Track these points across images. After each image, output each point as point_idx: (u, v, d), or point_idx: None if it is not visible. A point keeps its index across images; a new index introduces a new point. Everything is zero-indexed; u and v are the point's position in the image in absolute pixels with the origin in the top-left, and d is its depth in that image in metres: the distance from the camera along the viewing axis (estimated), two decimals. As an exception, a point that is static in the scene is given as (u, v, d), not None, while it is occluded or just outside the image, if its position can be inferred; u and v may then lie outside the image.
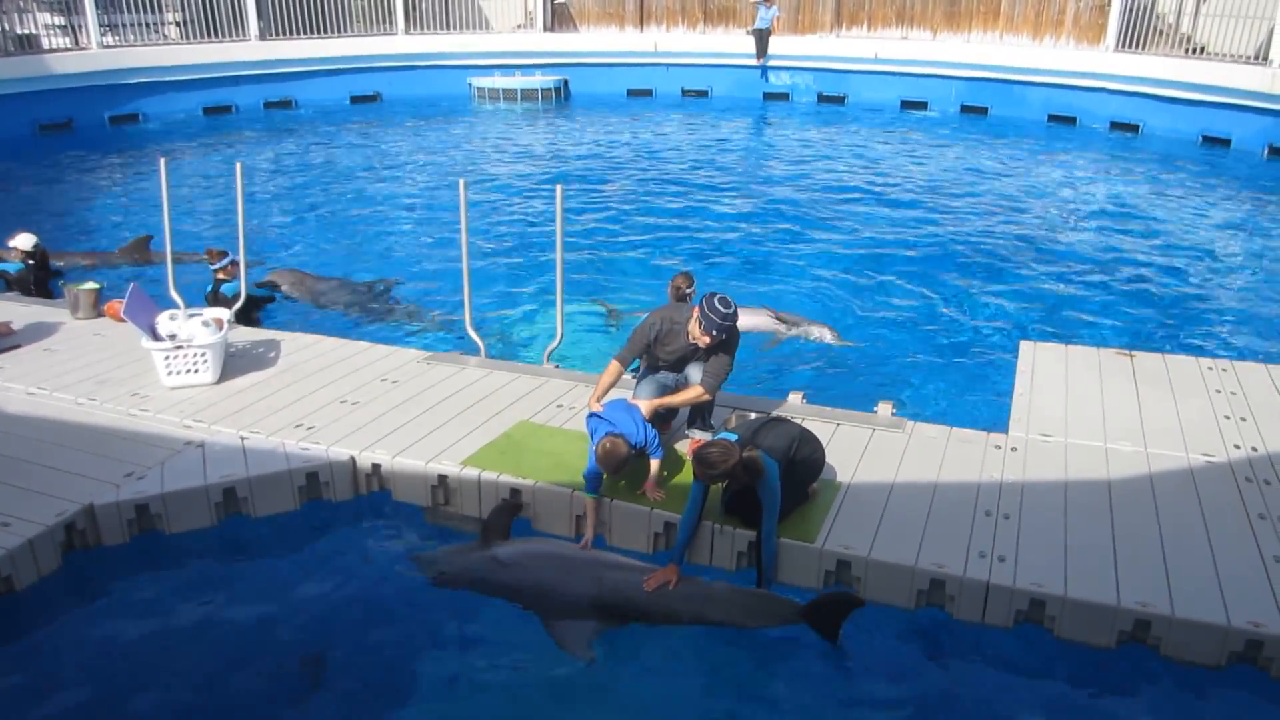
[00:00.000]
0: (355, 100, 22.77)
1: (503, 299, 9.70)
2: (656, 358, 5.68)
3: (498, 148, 18.39)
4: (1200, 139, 18.37)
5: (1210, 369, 6.91)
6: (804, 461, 4.97)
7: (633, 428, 5.16)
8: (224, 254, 8.59)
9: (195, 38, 21.34)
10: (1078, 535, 4.85)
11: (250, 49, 21.64)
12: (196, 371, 6.52)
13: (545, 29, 25.39)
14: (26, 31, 19.31)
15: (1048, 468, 5.55)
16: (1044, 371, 6.82)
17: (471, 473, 5.44)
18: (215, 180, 15.10)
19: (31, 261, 9.19)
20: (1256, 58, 17.75)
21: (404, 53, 23.46)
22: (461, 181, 6.92)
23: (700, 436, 5.77)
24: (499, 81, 23.28)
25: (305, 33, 22.56)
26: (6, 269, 9.19)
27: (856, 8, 23.57)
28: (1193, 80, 18.35)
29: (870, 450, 5.75)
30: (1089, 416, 6.14)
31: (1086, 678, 4.36)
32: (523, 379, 6.79)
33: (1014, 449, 5.76)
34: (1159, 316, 9.49)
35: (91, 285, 8.06)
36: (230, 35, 21.70)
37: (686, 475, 5.24)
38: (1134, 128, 19.50)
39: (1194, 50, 19.37)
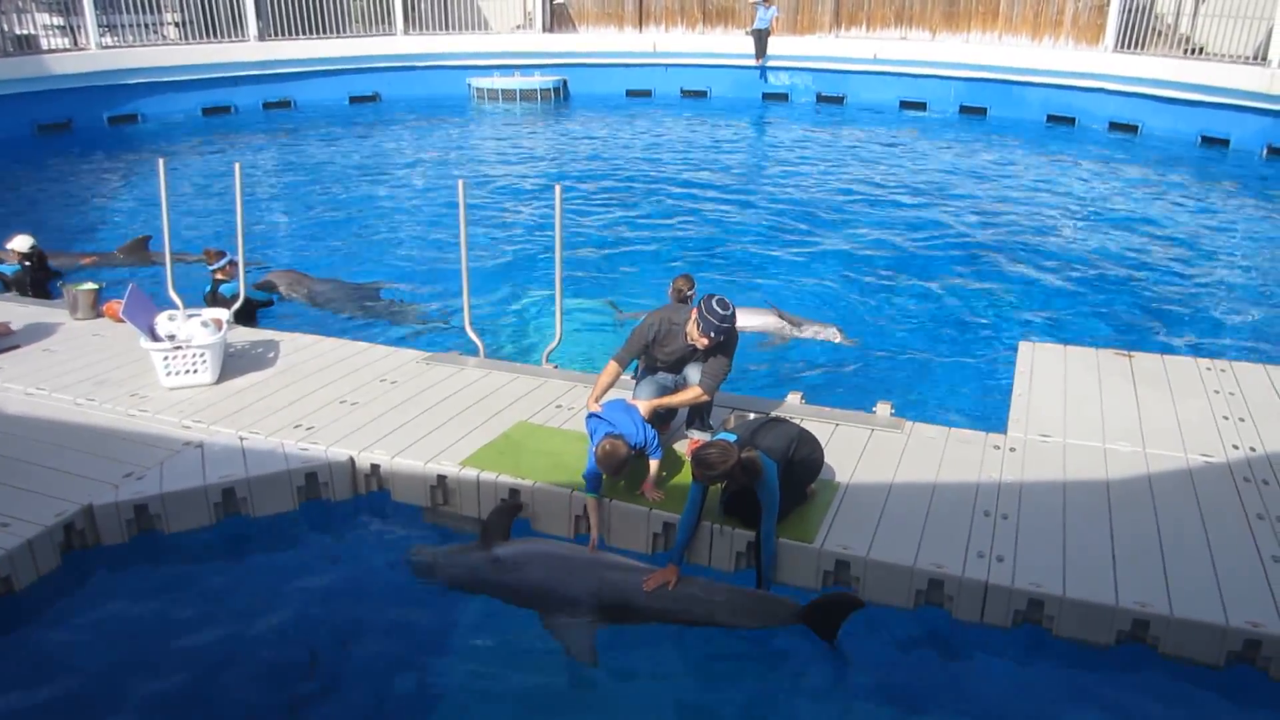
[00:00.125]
0: (354, 101, 22.78)
1: (502, 299, 9.70)
2: (655, 359, 5.68)
3: (497, 148, 18.39)
4: (1199, 139, 18.38)
5: (1209, 369, 6.92)
6: (802, 462, 4.97)
7: (632, 428, 5.16)
8: (222, 254, 8.59)
9: (194, 38, 21.34)
10: (1076, 535, 4.86)
11: (249, 49, 21.65)
12: (195, 372, 6.52)
13: (544, 29, 25.40)
14: (25, 32, 19.30)
15: (1046, 468, 5.55)
16: (1043, 372, 6.82)
17: (470, 473, 5.44)
18: (214, 181, 15.10)
19: (29, 263, 9.19)
20: (1255, 58, 17.76)
21: (403, 53, 23.46)
22: (460, 182, 6.93)
23: (699, 437, 5.77)
24: (498, 82, 23.28)
25: (304, 33, 22.57)
26: (4, 271, 9.20)
27: (855, 8, 23.58)
28: (1191, 80, 18.35)
29: (869, 450, 5.75)
30: (1088, 417, 6.14)
31: (1085, 677, 4.36)
32: (521, 379, 6.79)
33: (1013, 449, 5.77)
34: (1158, 317, 9.50)
35: (90, 286, 8.07)
36: (229, 36, 21.70)
37: (685, 476, 5.24)
38: (1133, 128, 19.51)
39: (1193, 51, 19.38)
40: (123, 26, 20.49)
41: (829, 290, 10.10)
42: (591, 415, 5.35)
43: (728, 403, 6.28)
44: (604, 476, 5.06)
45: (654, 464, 5.27)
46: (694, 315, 5.34)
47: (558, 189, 6.60)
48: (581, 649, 4.55)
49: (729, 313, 5.30)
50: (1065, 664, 4.39)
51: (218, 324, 6.73)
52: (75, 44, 19.70)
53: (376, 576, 5.21)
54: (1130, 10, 19.88)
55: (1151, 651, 4.32)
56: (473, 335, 7.26)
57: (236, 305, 7.96)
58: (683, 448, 5.71)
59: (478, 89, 23.43)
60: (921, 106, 22.22)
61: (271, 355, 7.18)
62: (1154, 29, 20.08)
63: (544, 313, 8.95)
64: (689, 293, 7.06)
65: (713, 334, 5.29)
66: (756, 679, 4.59)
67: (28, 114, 18.31)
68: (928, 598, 4.65)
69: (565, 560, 4.97)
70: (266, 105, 21.75)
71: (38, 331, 7.60)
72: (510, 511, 5.25)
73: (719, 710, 4.43)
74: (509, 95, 23.23)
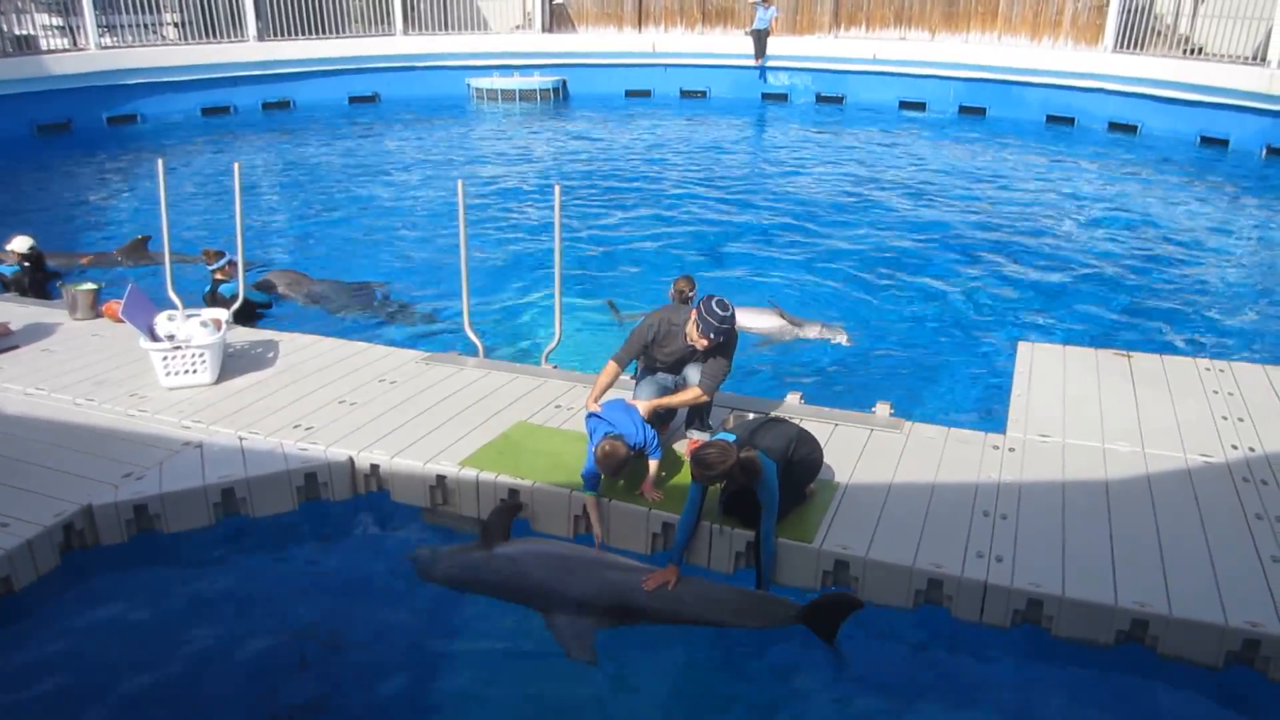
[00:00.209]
0: (354, 101, 22.77)
1: (501, 299, 9.70)
2: (654, 359, 5.68)
3: (496, 148, 18.39)
4: (1199, 139, 18.39)
5: (1208, 369, 6.92)
6: (801, 462, 4.97)
7: (632, 428, 5.17)
8: (221, 254, 8.59)
9: (193, 38, 21.34)
10: (1075, 535, 4.86)
11: (248, 50, 21.64)
12: (195, 372, 6.52)
13: (544, 29, 25.40)
14: (25, 32, 19.29)
15: (1045, 468, 5.55)
16: (1042, 372, 6.82)
17: (470, 473, 5.44)
18: (213, 181, 15.09)
19: (27, 264, 9.19)
20: (1254, 58, 17.77)
21: (402, 53, 23.46)
22: (460, 182, 6.93)
23: (699, 437, 5.77)
24: (497, 82, 23.28)
25: (303, 33, 22.56)
26: (3, 272, 9.19)
27: (855, 8, 23.59)
28: (1191, 81, 18.36)
29: (868, 450, 5.75)
30: (1087, 417, 6.14)
31: (1084, 677, 4.37)
32: (521, 379, 6.79)
33: (1012, 449, 5.77)
34: (1157, 317, 9.50)
35: (90, 286, 8.06)
36: (228, 36, 21.70)
37: (685, 476, 5.24)
38: (1132, 128, 19.52)
39: (1192, 51, 19.39)
40: (122, 27, 20.48)
41: (828, 290, 10.10)
42: (591, 415, 5.35)
43: (727, 403, 6.28)
44: (602, 476, 5.07)
45: (653, 464, 5.27)
46: (693, 316, 5.34)
47: (557, 189, 6.60)
48: (581, 649, 4.55)
49: (729, 314, 5.30)
50: (1064, 664, 4.39)
51: (217, 324, 6.73)
52: (75, 44, 19.70)
53: (376, 576, 5.21)
54: (1129, 10, 19.89)
55: (1150, 652, 4.32)
56: (472, 335, 7.26)
57: (236, 305, 7.96)
58: (682, 448, 5.71)
59: (477, 89, 23.43)
60: (921, 107, 22.22)
61: (271, 355, 7.18)
62: (1153, 29, 20.09)
63: (543, 313, 8.95)
64: (690, 293, 7.06)
65: (712, 335, 5.28)
66: (756, 679, 4.60)
67: (27, 114, 18.31)
68: (927, 597, 4.65)
69: (565, 560, 4.97)
70: (266, 105, 21.75)
71: (37, 332, 7.60)
72: (510, 511, 5.25)
73: (718, 710, 4.43)
74: (508, 95, 23.23)
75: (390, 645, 4.72)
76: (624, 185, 15.11)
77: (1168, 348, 8.41)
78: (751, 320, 8.49)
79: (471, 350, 7.29)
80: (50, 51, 19.18)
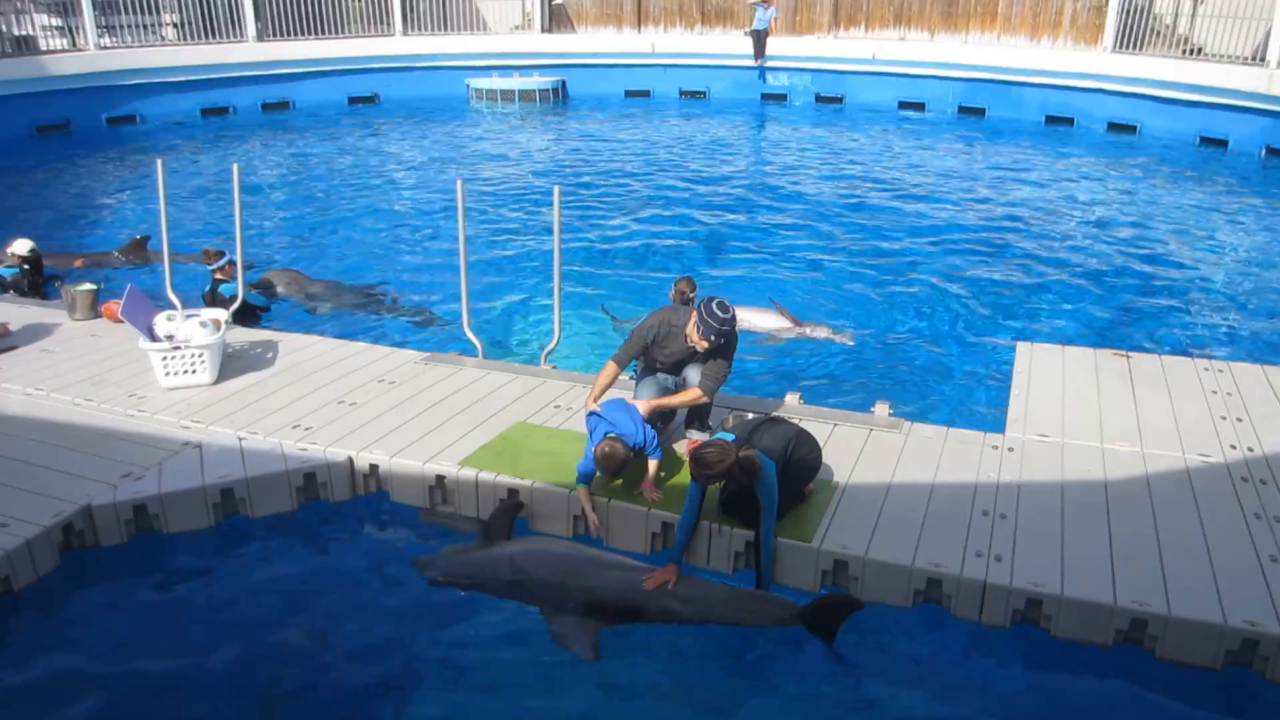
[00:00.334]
0: (353, 101, 22.78)
1: (500, 300, 9.70)
2: (654, 360, 5.68)
3: (495, 149, 18.39)
4: (1198, 140, 18.39)
5: (1206, 370, 6.93)
6: (800, 461, 4.97)
7: (631, 428, 5.17)
8: (221, 254, 8.59)
9: (193, 39, 21.34)
10: (1074, 535, 4.86)
11: (248, 50, 21.64)
12: (194, 372, 6.53)
13: (543, 30, 25.40)
14: (24, 33, 19.29)
15: (1044, 468, 5.55)
16: (1041, 372, 6.83)
17: (469, 473, 5.44)
18: (212, 181, 15.10)
19: (27, 266, 9.19)
20: (1254, 58, 17.76)
21: (402, 54, 23.46)
22: (459, 182, 6.93)
23: (698, 437, 5.77)
24: (497, 82, 23.28)
25: (303, 34, 22.57)
26: (1, 274, 9.19)
27: (854, 8, 23.60)
28: (1190, 81, 18.37)
29: (867, 450, 5.75)
30: (1085, 417, 6.15)
31: (1083, 677, 4.37)
32: (520, 380, 6.79)
33: (1011, 449, 5.77)
34: (1156, 317, 9.51)
35: (89, 286, 8.06)
36: (228, 37, 21.70)
37: (684, 476, 5.23)
38: (1131, 128, 19.53)
39: (1191, 51, 19.39)
40: (121, 27, 20.49)
41: (827, 290, 10.10)
42: (591, 413, 5.36)
43: (726, 402, 6.29)
44: (597, 473, 5.08)
45: (653, 464, 5.27)
46: (694, 318, 5.33)
47: (556, 190, 6.60)
48: (583, 648, 4.55)
49: (729, 316, 5.30)
50: (1063, 663, 4.39)
51: (216, 324, 6.73)
52: (74, 45, 19.69)
53: (376, 577, 5.21)
54: (1129, 11, 19.89)
55: (1149, 652, 4.32)
56: (471, 336, 7.26)
57: (235, 305, 7.96)
58: (682, 448, 5.71)
59: (476, 89, 23.43)
60: (920, 107, 22.23)
61: (270, 355, 7.18)
62: (1153, 29, 20.10)
63: (542, 313, 8.94)
64: (691, 294, 7.07)
65: (713, 337, 5.28)
66: (756, 679, 4.60)
67: (27, 115, 18.32)
68: (926, 597, 4.65)
69: (566, 559, 4.97)
70: (265, 106, 21.75)
71: (36, 332, 7.60)
72: (512, 510, 5.25)
73: (718, 709, 4.43)
74: (508, 96, 23.23)
75: (390, 645, 4.71)
76: (623, 185, 15.11)
77: (1167, 347, 8.42)
78: (753, 318, 8.49)
79: (471, 350, 7.29)
80: (50, 52, 19.18)
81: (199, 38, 21.38)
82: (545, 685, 4.48)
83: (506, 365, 7.16)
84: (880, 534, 4.87)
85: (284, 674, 4.55)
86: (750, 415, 5.79)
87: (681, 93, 24.32)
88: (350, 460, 5.65)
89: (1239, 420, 6.13)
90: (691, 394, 5.53)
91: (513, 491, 5.35)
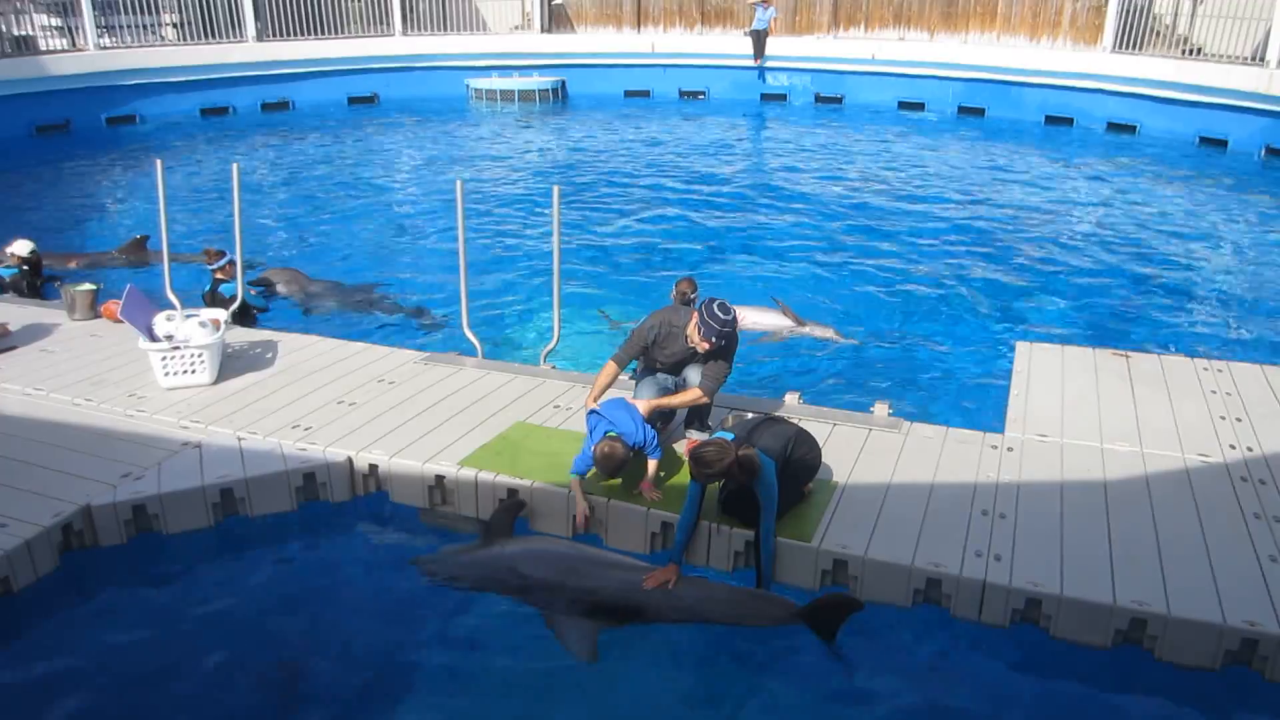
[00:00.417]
0: (353, 101, 22.78)
1: (500, 300, 9.71)
2: (654, 360, 5.68)
3: (495, 149, 18.39)
4: (1197, 140, 18.40)
5: (1206, 370, 6.93)
6: (799, 461, 4.98)
7: (631, 427, 5.17)
8: (222, 254, 8.59)
9: (192, 39, 21.34)
10: (1074, 535, 4.86)
11: (247, 50, 21.64)
12: (193, 372, 6.52)
13: (542, 30, 25.40)
14: (24, 33, 19.29)
15: (1044, 468, 5.56)
16: (1040, 372, 6.83)
17: (468, 473, 5.44)
18: (212, 181, 15.10)
19: (26, 267, 9.19)
20: (1253, 59, 17.77)
21: (401, 54, 23.46)
22: (459, 182, 6.93)
23: (698, 437, 5.77)
24: (496, 83, 23.28)
25: (302, 34, 22.57)
26: (1, 274, 9.19)
27: (854, 9, 23.60)
28: (1190, 81, 18.38)
29: (867, 450, 5.75)
30: (1085, 417, 6.15)
31: (1082, 677, 4.37)
32: (519, 380, 6.79)
33: (1010, 449, 5.77)
34: (1155, 317, 9.51)
35: (88, 286, 8.06)
36: (227, 37, 21.70)
37: (684, 475, 5.24)
38: (1131, 128, 19.53)
39: (1191, 51, 19.39)
40: (121, 28, 20.49)
41: (826, 290, 10.10)
42: (591, 412, 5.35)
43: (726, 402, 6.28)
44: (592, 469, 5.09)
45: (653, 463, 5.27)
46: (695, 319, 5.33)
47: (556, 190, 6.60)
48: (582, 648, 4.55)
49: (730, 317, 5.29)
50: (1063, 663, 4.39)
51: (216, 324, 6.73)
52: (73, 45, 19.69)
53: (375, 576, 5.21)
54: (1128, 11, 19.90)
55: (1148, 652, 4.32)
56: (470, 336, 7.26)
57: (235, 305, 7.96)
58: (681, 448, 5.71)
59: (476, 90, 23.43)
60: (920, 107, 22.23)
61: (269, 355, 7.18)
62: (1152, 29, 20.11)
63: (542, 313, 8.95)
64: (692, 295, 7.07)
65: (714, 339, 5.27)
66: (755, 678, 4.60)
67: (26, 115, 18.32)
68: (926, 597, 4.66)
69: (566, 559, 4.97)
70: (265, 106, 21.75)
71: (35, 332, 7.60)
72: (513, 510, 5.25)
73: (718, 709, 4.43)
74: (507, 96, 23.23)
75: (390, 645, 4.71)
76: (623, 185, 15.11)
77: (1167, 346, 8.42)
78: (755, 317, 8.50)
79: (470, 350, 7.29)
80: (49, 52, 19.18)
81: (199, 38, 21.38)
82: (545, 686, 4.48)
83: (506, 365, 7.16)
84: (880, 534, 4.87)
85: (282, 673, 4.55)
86: (750, 415, 5.79)
87: (681, 93, 24.32)
88: (350, 460, 5.65)
89: (1238, 420, 6.13)
90: (691, 394, 5.53)
91: (512, 491, 5.35)
